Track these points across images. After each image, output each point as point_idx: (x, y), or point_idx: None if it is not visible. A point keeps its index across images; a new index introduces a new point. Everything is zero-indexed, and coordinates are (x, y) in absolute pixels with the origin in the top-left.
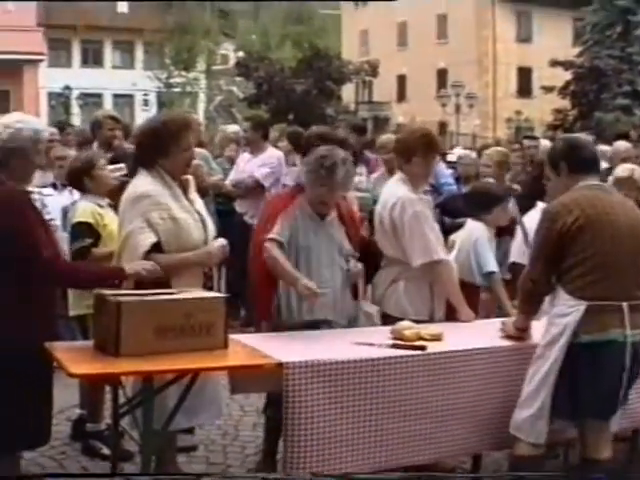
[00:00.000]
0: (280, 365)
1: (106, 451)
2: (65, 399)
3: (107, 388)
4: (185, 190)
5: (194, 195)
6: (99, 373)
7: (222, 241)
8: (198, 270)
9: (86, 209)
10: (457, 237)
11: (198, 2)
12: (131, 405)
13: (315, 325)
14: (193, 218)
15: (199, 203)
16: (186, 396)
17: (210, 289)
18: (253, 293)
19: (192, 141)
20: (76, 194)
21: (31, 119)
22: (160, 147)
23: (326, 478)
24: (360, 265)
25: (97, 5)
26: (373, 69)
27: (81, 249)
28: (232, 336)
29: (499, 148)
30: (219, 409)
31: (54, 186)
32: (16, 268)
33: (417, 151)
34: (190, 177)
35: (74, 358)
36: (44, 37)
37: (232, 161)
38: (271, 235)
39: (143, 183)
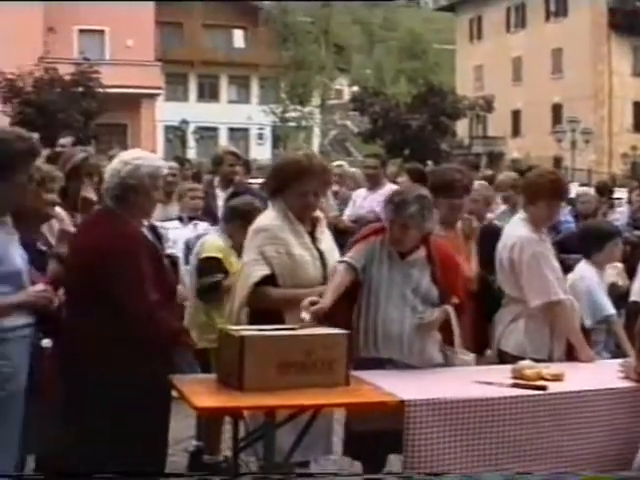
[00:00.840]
0: (402, 403)
1: None
2: (182, 430)
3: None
4: (314, 227)
5: (323, 233)
6: (223, 407)
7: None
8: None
9: (213, 244)
10: (568, 279)
11: (313, 37)
12: (252, 438)
13: (380, 363)
14: (311, 255)
15: (327, 241)
16: (307, 431)
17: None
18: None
19: (313, 185)
20: (200, 228)
21: (150, 155)
22: (280, 186)
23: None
24: (437, 313)
25: (214, 40)
26: (488, 104)
27: (213, 284)
28: (353, 372)
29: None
30: (331, 444)
31: (180, 219)
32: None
33: (544, 196)
34: (321, 215)
35: (197, 391)
36: (161, 72)
37: (336, 196)
38: (344, 257)
39: (266, 217)
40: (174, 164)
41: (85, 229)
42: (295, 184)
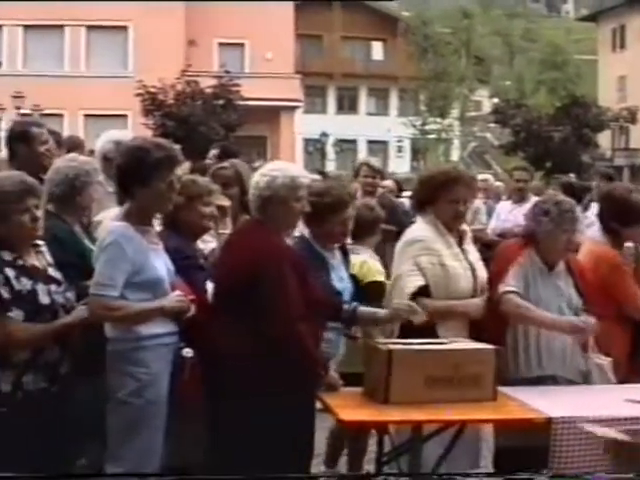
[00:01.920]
0: (549, 420)
1: None
2: (320, 442)
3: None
4: (461, 240)
5: (470, 246)
6: (370, 420)
7: (476, 299)
8: (464, 320)
9: (374, 267)
10: None
11: (453, 49)
12: (397, 452)
13: (541, 381)
14: (462, 267)
15: (473, 254)
16: (454, 445)
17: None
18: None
19: (463, 195)
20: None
21: (288, 166)
22: (429, 196)
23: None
24: (592, 319)
25: (353, 52)
26: (632, 115)
27: None
28: (501, 388)
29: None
30: (477, 458)
31: None
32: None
33: None
34: (467, 228)
35: (342, 404)
36: (301, 84)
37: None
38: (508, 287)
39: (417, 228)
40: (316, 177)
41: (232, 241)
42: (445, 193)
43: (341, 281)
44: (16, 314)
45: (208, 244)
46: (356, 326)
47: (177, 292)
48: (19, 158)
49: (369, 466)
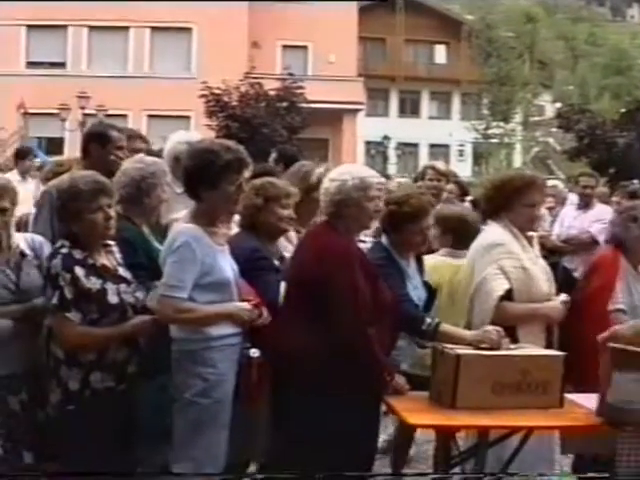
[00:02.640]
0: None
1: None
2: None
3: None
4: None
5: (537, 251)
6: (437, 424)
7: (565, 297)
8: (542, 324)
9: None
10: None
11: (517, 53)
12: (463, 457)
13: None
14: (540, 270)
15: (541, 260)
16: (519, 451)
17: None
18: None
19: (538, 199)
20: None
21: (357, 168)
22: (504, 201)
23: None
24: None
25: (416, 55)
26: None
27: None
28: (567, 395)
29: None
30: (552, 464)
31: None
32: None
33: None
34: (535, 234)
35: (409, 408)
36: (363, 87)
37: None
38: (618, 305)
39: (494, 232)
40: (382, 179)
41: (303, 243)
42: (522, 197)
43: (415, 289)
44: (74, 315)
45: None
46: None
47: (247, 304)
48: (92, 158)
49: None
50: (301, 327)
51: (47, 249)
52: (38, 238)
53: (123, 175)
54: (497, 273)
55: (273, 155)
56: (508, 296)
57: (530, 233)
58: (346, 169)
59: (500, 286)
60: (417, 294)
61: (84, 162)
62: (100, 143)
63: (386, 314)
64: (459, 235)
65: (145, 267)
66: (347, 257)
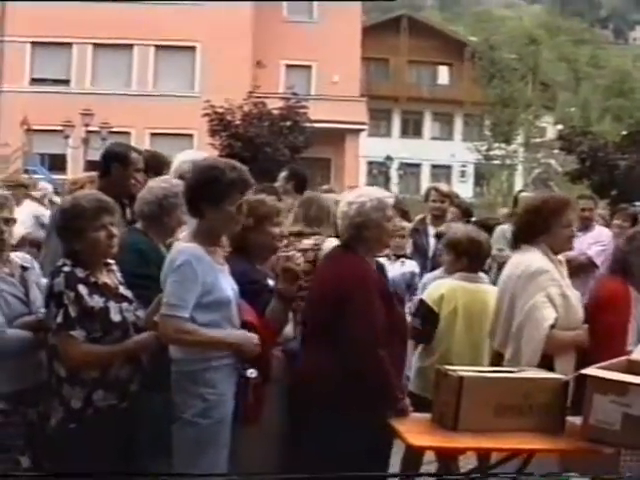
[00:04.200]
0: (618, 452)
1: None
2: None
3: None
4: None
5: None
6: (439, 446)
7: (585, 327)
8: (574, 352)
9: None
10: None
11: (520, 74)
12: (465, 479)
13: None
14: (575, 296)
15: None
16: (521, 474)
17: None
18: None
19: (573, 219)
20: (407, 266)
21: (372, 190)
22: (543, 224)
23: None
24: None
25: (418, 76)
26: None
27: None
28: (569, 418)
29: None
30: None
31: (386, 256)
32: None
33: None
34: (562, 258)
35: (412, 429)
36: (366, 107)
37: None
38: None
39: (535, 259)
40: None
41: (322, 266)
42: (560, 218)
43: None
44: (78, 333)
45: None
46: None
47: (255, 336)
48: (111, 177)
49: None
50: (318, 347)
51: (37, 268)
52: (27, 257)
53: (148, 193)
54: (545, 301)
55: (283, 174)
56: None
57: (561, 258)
58: (362, 191)
59: (550, 315)
60: None
61: (102, 181)
62: (121, 163)
63: (398, 334)
64: (472, 258)
65: (156, 279)
66: (363, 279)
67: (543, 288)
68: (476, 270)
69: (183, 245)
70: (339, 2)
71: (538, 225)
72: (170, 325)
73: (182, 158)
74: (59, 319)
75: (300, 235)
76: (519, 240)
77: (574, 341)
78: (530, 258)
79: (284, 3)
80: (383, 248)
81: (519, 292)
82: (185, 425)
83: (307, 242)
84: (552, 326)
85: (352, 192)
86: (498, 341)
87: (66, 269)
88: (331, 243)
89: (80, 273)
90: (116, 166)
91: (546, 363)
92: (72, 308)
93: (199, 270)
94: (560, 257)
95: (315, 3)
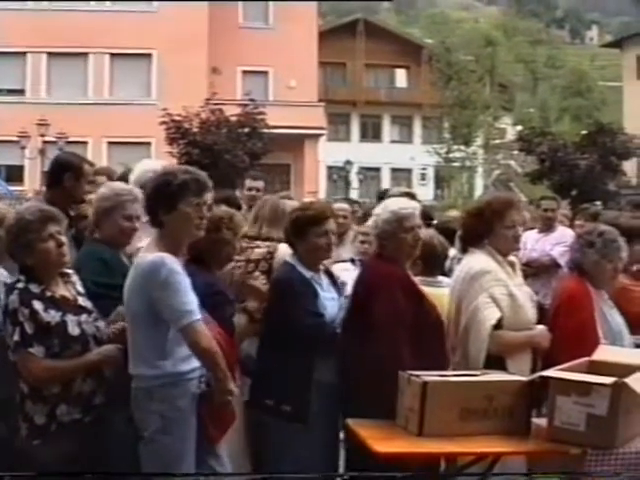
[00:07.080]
0: (584, 451)
1: None
2: None
3: None
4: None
5: (519, 277)
6: (404, 452)
7: (543, 328)
8: (529, 353)
9: None
10: None
11: (477, 76)
12: None
13: None
14: (524, 296)
15: (525, 286)
16: (487, 476)
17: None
18: None
19: (517, 219)
20: None
21: (394, 201)
22: (484, 227)
23: None
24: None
25: (376, 80)
26: None
27: None
28: (535, 420)
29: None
30: None
31: (352, 261)
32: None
33: None
34: (516, 259)
35: (376, 436)
36: (324, 112)
37: None
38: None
39: (479, 260)
40: (345, 206)
41: (360, 273)
42: (502, 219)
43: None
44: (37, 350)
45: None
46: None
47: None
48: (62, 188)
49: None
50: (353, 348)
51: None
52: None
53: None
54: (488, 302)
55: (255, 183)
56: (498, 324)
57: (513, 258)
58: (385, 203)
59: (492, 314)
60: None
61: (51, 191)
62: (74, 174)
63: (432, 332)
64: (427, 261)
65: (121, 288)
66: (387, 281)
67: (486, 289)
68: (433, 273)
69: (155, 256)
70: (295, 2)
71: (481, 227)
72: (201, 329)
73: (143, 167)
74: (16, 337)
75: (254, 239)
76: (465, 243)
77: (528, 342)
78: (474, 260)
79: (240, 8)
80: (409, 257)
81: (464, 294)
82: (148, 442)
83: (259, 251)
84: (498, 326)
85: (380, 205)
86: (449, 344)
87: (20, 285)
88: (283, 250)
89: (35, 289)
90: (67, 176)
91: (501, 365)
92: (28, 325)
93: (182, 275)
94: (512, 257)
95: (271, 7)
